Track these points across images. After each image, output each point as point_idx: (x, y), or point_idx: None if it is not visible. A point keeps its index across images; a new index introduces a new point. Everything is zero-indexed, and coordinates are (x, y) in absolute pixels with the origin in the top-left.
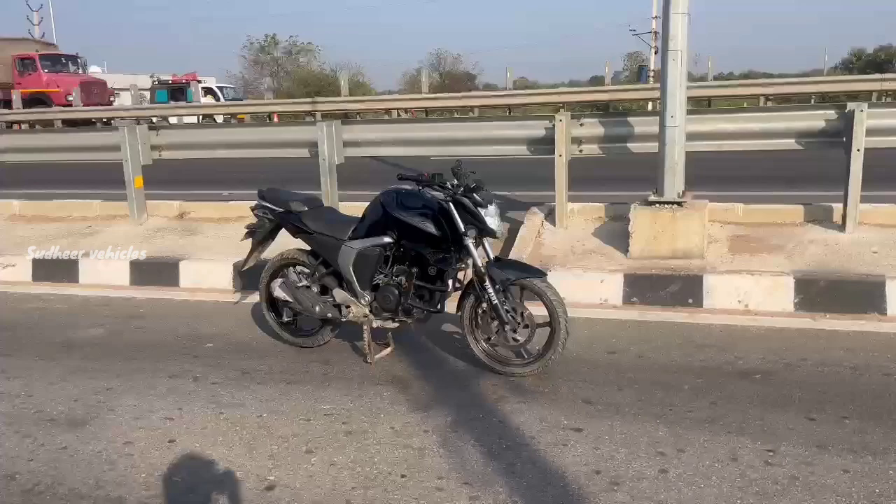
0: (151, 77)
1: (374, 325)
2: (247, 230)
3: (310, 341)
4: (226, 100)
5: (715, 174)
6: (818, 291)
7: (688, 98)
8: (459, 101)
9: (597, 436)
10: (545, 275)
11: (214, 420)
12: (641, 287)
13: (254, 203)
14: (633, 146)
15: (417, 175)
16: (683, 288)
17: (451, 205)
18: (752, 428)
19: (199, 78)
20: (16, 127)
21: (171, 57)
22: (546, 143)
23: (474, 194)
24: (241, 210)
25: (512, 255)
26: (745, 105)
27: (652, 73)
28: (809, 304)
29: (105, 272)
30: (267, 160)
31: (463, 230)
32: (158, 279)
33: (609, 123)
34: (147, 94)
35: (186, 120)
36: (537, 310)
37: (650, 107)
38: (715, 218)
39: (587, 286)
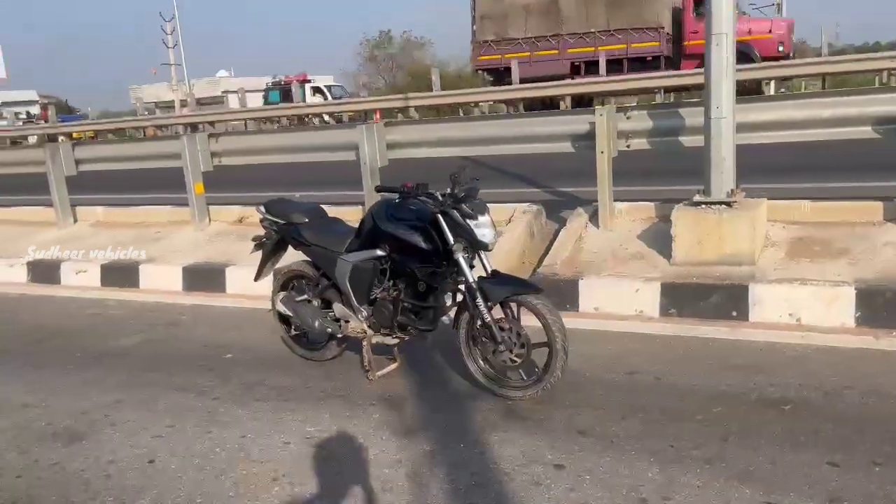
0: (274, 79)
1: (374, 340)
2: (255, 242)
3: (318, 355)
4: (333, 98)
5: (784, 164)
6: (884, 304)
7: (808, 76)
8: (546, 91)
9: (578, 474)
10: (541, 291)
11: (199, 440)
12: (680, 297)
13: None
14: (685, 139)
15: (399, 186)
16: (727, 299)
17: (439, 216)
18: (759, 473)
19: (308, 78)
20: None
21: (302, 58)
22: (590, 139)
23: (464, 204)
24: None
25: (547, 261)
26: (876, 82)
27: None
28: (873, 320)
29: (161, 278)
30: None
31: (452, 243)
32: (208, 285)
33: (658, 115)
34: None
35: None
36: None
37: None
38: (777, 217)
39: (621, 296)
